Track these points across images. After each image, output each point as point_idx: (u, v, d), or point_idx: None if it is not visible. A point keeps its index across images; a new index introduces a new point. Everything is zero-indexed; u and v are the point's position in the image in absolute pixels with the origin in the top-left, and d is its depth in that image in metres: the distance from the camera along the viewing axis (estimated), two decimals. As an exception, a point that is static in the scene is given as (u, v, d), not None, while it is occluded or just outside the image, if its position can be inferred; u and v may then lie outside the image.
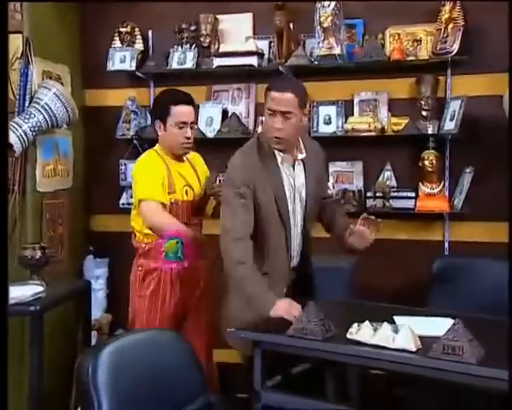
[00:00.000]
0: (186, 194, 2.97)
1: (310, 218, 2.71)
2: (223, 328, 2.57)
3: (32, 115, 3.45)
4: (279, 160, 2.59)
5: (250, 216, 2.52)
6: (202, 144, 3.85)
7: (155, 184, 2.87)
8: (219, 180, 3.09)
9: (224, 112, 3.97)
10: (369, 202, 3.63)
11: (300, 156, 2.62)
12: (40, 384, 2.89)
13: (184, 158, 3.05)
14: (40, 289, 2.98)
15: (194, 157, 3.13)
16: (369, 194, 3.65)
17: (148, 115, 4.06)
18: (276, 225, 2.58)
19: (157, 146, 3.03)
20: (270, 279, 2.54)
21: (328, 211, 2.84)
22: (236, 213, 2.50)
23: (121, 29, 4.04)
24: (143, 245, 2.96)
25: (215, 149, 3.87)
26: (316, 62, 3.66)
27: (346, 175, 3.80)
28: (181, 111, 2.92)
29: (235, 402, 3.06)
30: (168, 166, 2.95)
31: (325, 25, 3.59)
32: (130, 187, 3.37)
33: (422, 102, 3.57)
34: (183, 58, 3.91)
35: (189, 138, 2.96)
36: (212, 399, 2.19)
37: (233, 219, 2.50)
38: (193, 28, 3.94)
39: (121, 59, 3.97)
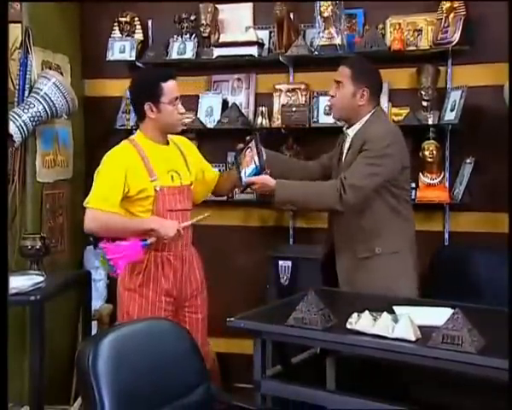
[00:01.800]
0: (172, 179, 2.77)
1: None
2: None
3: (32, 105, 3.45)
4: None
5: None
6: (202, 135, 3.87)
7: (107, 190, 2.66)
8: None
9: (224, 102, 3.95)
10: (369, 193, 3.62)
11: (348, 131, 2.89)
12: (41, 374, 2.90)
13: (170, 141, 2.87)
14: (40, 279, 2.98)
15: (180, 140, 2.94)
16: (369, 184, 3.64)
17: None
18: None
19: (137, 133, 2.85)
20: None
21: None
22: None
23: (121, 19, 4.02)
24: None
25: (215, 140, 3.88)
26: (316, 52, 3.65)
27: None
28: (172, 86, 2.76)
29: (234, 392, 3.07)
30: (146, 153, 2.75)
31: (325, 14, 3.58)
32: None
33: (423, 93, 3.55)
34: (182, 48, 3.89)
35: (183, 113, 2.85)
36: (212, 389, 2.20)
37: None
38: (193, 18, 3.93)
39: (121, 49, 3.96)
